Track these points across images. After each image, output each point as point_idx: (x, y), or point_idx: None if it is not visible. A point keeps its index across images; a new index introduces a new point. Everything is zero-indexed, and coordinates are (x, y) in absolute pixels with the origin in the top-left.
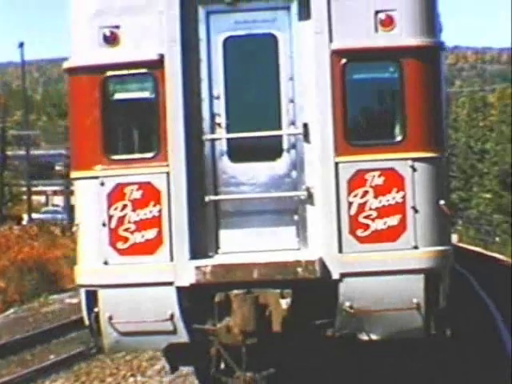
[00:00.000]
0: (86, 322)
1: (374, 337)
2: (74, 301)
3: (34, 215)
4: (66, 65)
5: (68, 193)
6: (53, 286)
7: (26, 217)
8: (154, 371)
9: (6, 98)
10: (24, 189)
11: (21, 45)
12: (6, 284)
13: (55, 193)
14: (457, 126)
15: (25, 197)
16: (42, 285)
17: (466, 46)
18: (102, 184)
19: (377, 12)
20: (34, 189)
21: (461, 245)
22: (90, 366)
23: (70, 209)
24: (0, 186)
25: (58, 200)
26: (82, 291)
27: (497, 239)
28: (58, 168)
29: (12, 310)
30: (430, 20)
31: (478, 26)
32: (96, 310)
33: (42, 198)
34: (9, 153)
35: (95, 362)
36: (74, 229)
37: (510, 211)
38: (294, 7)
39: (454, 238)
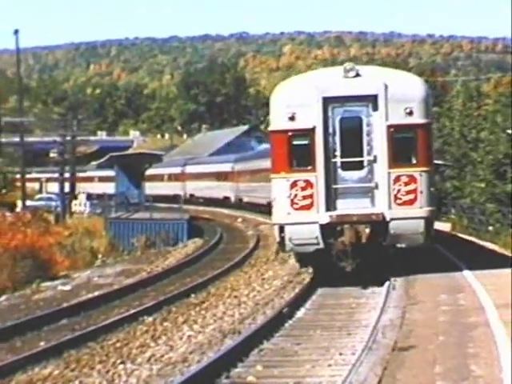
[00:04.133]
0: (277, 240)
1: (402, 245)
2: (67, 288)
3: (28, 202)
4: (270, 128)
5: (62, 180)
6: (45, 273)
7: (19, 204)
8: (143, 359)
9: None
10: (18, 176)
11: (16, 32)
12: None
13: (49, 180)
14: (451, 115)
15: (19, 184)
16: (35, 272)
17: (462, 36)
18: (288, 180)
19: (405, 108)
20: (28, 176)
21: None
22: (80, 354)
23: (63, 196)
24: None
25: (53, 187)
26: (276, 226)
27: (490, 228)
28: (52, 155)
29: (4, 297)
30: (428, 110)
31: (473, 15)
32: (282, 235)
33: (36, 185)
34: (3, 139)
35: (85, 349)
36: (272, 200)
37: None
38: (370, 106)
39: (448, 226)
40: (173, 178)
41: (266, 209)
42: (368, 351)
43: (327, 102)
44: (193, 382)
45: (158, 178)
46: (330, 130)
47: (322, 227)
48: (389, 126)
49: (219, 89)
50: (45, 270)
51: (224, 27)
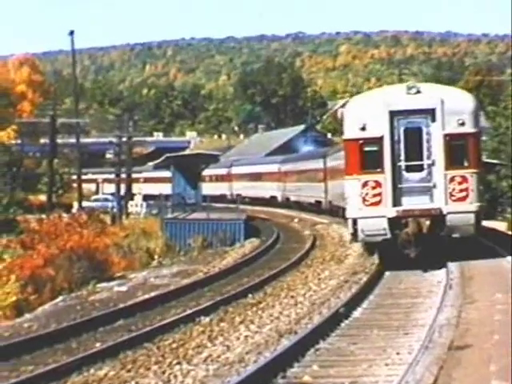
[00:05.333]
0: (351, 231)
1: (457, 235)
2: (123, 289)
3: (85, 203)
4: (345, 137)
5: (118, 181)
6: (101, 274)
7: (76, 205)
8: (200, 359)
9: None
10: (74, 177)
11: (71, 33)
12: (55, 272)
13: (105, 181)
14: (506, 114)
15: (75, 185)
16: (91, 273)
17: None
18: (359, 181)
19: (458, 119)
20: (84, 177)
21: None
22: (136, 354)
23: (119, 197)
24: (50, 173)
25: (110, 188)
26: (350, 220)
27: None
28: (108, 156)
29: (60, 298)
30: (477, 121)
31: None
32: (355, 227)
33: (93, 186)
34: (59, 141)
35: (141, 349)
36: (346, 199)
37: None
38: (429, 118)
39: (504, 226)
40: (219, 178)
41: (313, 207)
42: (425, 350)
43: (393, 114)
44: (249, 382)
45: (206, 178)
46: (396, 138)
47: (390, 220)
48: (445, 135)
49: (276, 89)
50: (101, 271)
51: (280, 27)
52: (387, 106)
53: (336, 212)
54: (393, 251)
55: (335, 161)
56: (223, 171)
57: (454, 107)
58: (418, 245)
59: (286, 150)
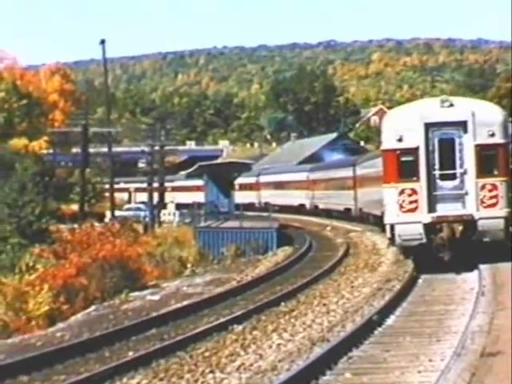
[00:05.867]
0: (388, 236)
1: (487, 239)
2: (155, 297)
3: (117, 212)
4: (382, 147)
5: (151, 190)
6: (134, 283)
7: (108, 214)
8: (233, 368)
9: (87, 96)
10: (107, 186)
11: (102, 42)
12: (87, 281)
13: (138, 190)
14: None
15: (108, 194)
16: (123, 282)
17: None
18: (397, 189)
19: (489, 131)
20: (116, 186)
21: None
22: (169, 363)
23: (152, 206)
24: (82, 183)
25: (142, 197)
26: (388, 225)
27: None
28: (140, 165)
29: (93, 307)
30: (506, 132)
31: None
32: (393, 232)
33: (125, 195)
34: (91, 150)
35: (174, 358)
36: (384, 206)
37: None
38: (461, 129)
39: None
40: (248, 187)
41: (341, 215)
42: (457, 357)
43: (428, 126)
44: None
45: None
46: (430, 148)
47: (425, 226)
48: (476, 145)
49: (308, 97)
50: (133, 280)
51: (312, 35)
52: (422, 118)
53: (366, 219)
54: (428, 255)
55: (365, 169)
56: (252, 180)
57: (484, 119)
58: (451, 249)
59: (319, 158)
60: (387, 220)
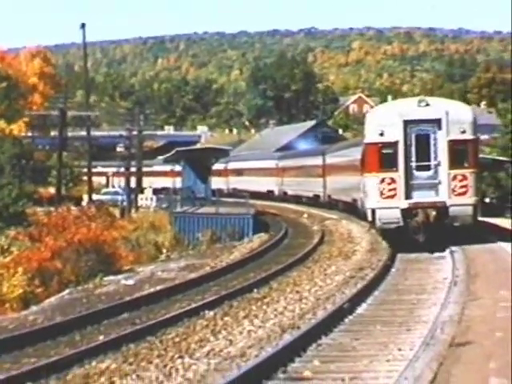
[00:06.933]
0: (369, 220)
1: (457, 224)
2: (129, 282)
3: (95, 196)
4: (365, 141)
5: (128, 174)
6: (109, 268)
7: (85, 198)
8: (202, 353)
9: (67, 79)
10: (84, 170)
11: (82, 25)
12: (62, 265)
13: (116, 174)
14: None
15: (85, 178)
16: (98, 266)
17: None
18: (377, 178)
19: (460, 128)
20: (94, 170)
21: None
22: (138, 348)
23: (129, 190)
24: (59, 166)
25: (120, 181)
26: (369, 210)
27: None
28: (118, 149)
29: (67, 291)
30: (475, 129)
31: None
32: (373, 216)
33: (103, 179)
34: (69, 134)
35: (144, 343)
36: (365, 192)
37: None
38: (436, 126)
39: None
40: (216, 173)
41: (310, 201)
42: (426, 347)
43: (406, 123)
44: (249, 376)
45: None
46: (408, 142)
47: (402, 211)
48: (449, 141)
49: (288, 84)
50: (108, 265)
51: (293, 22)
52: (402, 116)
53: (335, 205)
54: (404, 237)
55: (334, 158)
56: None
57: (456, 118)
58: (425, 231)
59: (297, 145)
60: (369, 205)
